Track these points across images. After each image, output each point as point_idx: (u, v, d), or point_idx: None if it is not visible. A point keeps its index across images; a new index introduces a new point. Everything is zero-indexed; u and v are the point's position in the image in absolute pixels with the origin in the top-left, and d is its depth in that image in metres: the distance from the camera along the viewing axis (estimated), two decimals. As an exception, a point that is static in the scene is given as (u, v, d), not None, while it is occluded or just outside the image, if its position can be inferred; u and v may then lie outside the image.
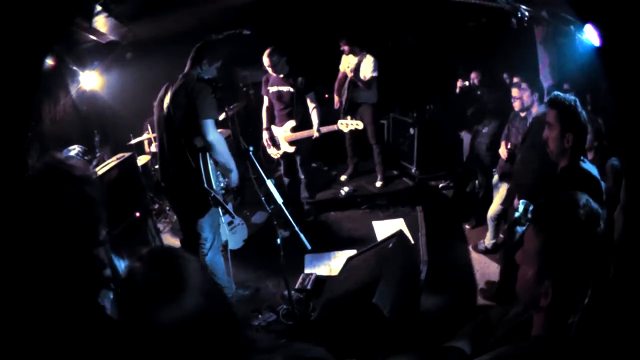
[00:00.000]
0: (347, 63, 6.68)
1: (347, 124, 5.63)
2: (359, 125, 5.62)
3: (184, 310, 1.22)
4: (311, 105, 5.72)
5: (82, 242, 1.92)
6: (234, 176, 4.29)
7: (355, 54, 6.59)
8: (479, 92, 6.31)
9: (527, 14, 4.85)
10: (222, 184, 4.25)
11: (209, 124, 3.86)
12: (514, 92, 4.84)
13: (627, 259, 1.59)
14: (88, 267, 1.97)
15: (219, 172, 4.20)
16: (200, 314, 1.25)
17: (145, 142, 6.66)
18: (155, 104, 4.18)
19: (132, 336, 1.27)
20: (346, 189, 7.17)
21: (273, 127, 5.92)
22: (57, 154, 2.10)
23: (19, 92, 1.76)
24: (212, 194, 4.03)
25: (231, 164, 4.18)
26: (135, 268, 1.27)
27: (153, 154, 6.52)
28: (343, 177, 7.61)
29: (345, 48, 6.61)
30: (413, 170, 7.68)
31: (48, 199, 1.82)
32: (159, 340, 1.22)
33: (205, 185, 4.00)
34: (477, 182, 6.24)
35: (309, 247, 4.00)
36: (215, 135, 3.90)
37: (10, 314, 1.59)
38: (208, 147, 3.93)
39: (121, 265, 4.52)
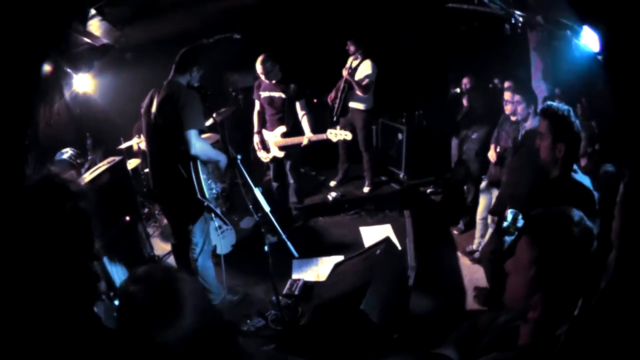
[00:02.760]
0: (348, 64, 6.73)
1: (335, 134, 5.63)
2: (348, 136, 5.61)
3: (181, 333, 1.26)
4: (301, 112, 5.72)
5: (78, 256, 1.93)
6: (223, 164, 4.26)
7: (357, 57, 6.62)
8: (468, 97, 6.33)
9: (521, 19, 4.86)
10: (214, 191, 4.25)
11: (193, 134, 3.81)
12: (506, 95, 4.78)
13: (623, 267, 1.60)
14: (84, 280, 1.98)
15: (210, 180, 4.20)
16: (197, 334, 1.29)
17: (135, 144, 6.62)
18: (142, 111, 4.17)
19: (133, 352, 1.31)
20: (334, 194, 7.21)
21: (264, 132, 5.92)
22: (53, 167, 2.11)
23: (17, 101, 1.75)
24: (206, 204, 4.04)
25: (218, 157, 4.18)
26: (132, 291, 1.31)
27: (143, 153, 6.49)
28: (332, 183, 7.62)
29: (352, 48, 6.64)
30: (401, 176, 7.73)
31: (45, 214, 1.82)
32: (159, 356, 1.27)
33: (199, 196, 4.00)
34: (465, 187, 6.27)
35: (295, 254, 4.02)
36: (198, 145, 3.86)
37: (7, 326, 1.60)
38: (195, 157, 3.93)
39: (112, 269, 4.55)
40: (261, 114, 5.94)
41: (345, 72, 6.57)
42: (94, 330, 1.87)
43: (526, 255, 1.54)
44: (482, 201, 5.31)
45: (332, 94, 6.95)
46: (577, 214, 1.53)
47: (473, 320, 2.13)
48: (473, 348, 1.88)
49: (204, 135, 5.19)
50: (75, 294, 1.86)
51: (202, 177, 4.05)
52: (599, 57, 3.56)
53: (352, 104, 6.82)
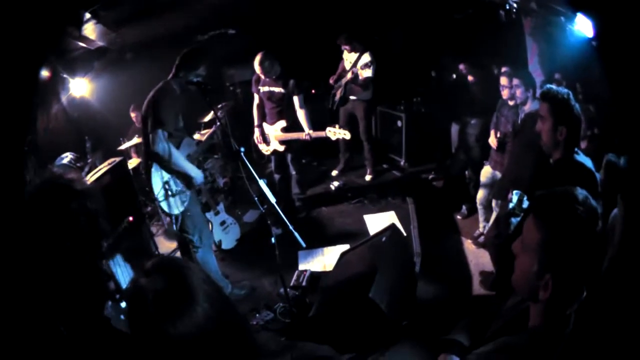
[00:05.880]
0: (347, 59, 6.81)
1: (334, 132, 5.60)
2: (346, 135, 5.57)
3: (194, 321, 1.25)
4: (299, 109, 5.69)
5: (87, 255, 1.94)
6: (198, 180, 4.24)
7: (355, 51, 6.67)
8: (466, 83, 6.32)
9: (515, 5, 4.86)
10: (174, 190, 4.20)
11: (158, 134, 3.81)
12: (503, 80, 4.82)
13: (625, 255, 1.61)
14: (93, 279, 2.00)
15: (170, 179, 4.16)
16: (211, 322, 1.28)
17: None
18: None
19: (146, 349, 1.29)
20: (336, 183, 7.24)
21: (264, 125, 5.92)
22: (55, 169, 2.11)
23: (15, 107, 1.76)
24: (157, 203, 4.06)
25: (189, 171, 4.13)
26: (142, 283, 1.28)
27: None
28: (334, 172, 7.64)
29: (347, 47, 6.69)
30: (402, 163, 7.75)
31: (51, 215, 1.82)
32: (172, 351, 1.25)
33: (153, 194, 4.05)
34: (466, 172, 6.27)
35: (303, 245, 4.02)
36: (161, 147, 3.84)
37: (18, 328, 1.61)
38: (154, 158, 3.93)
39: (117, 270, 4.55)
40: (260, 107, 5.93)
41: (350, 72, 6.64)
42: (103, 330, 1.88)
43: (533, 236, 1.53)
44: (483, 187, 5.31)
45: (333, 79, 7.01)
46: (581, 192, 1.51)
47: (483, 305, 2.14)
48: (484, 332, 1.88)
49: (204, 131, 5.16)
50: (86, 292, 1.88)
51: (156, 176, 4.05)
52: (593, 43, 3.56)
53: (354, 96, 6.89)
